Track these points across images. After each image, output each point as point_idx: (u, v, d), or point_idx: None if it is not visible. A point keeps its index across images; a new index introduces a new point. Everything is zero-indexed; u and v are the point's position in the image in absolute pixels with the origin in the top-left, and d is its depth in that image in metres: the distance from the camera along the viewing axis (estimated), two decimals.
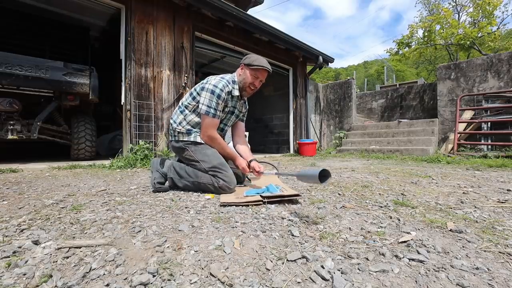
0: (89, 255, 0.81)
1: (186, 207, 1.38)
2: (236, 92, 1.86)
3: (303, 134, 6.94)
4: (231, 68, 7.30)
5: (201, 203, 1.47)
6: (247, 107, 2.11)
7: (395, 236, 0.99)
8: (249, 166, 1.80)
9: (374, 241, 0.94)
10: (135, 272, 0.71)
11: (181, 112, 1.88)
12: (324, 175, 1.18)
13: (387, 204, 1.44)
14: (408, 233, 1.01)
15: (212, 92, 1.74)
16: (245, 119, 2.14)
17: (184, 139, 1.84)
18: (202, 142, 1.84)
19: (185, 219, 1.18)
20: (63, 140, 3.90)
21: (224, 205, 1.41)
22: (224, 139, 2.10)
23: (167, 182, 1.86)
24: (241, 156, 1.89)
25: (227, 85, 1.80)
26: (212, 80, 1.79)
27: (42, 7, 4.21)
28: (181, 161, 1.96)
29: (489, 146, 5.12)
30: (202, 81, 1.86)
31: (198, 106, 1.79)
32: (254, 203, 1.42)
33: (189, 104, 1.85)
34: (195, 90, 1.85)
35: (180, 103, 1.93)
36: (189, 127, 1.85)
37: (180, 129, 1.85)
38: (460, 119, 5.29)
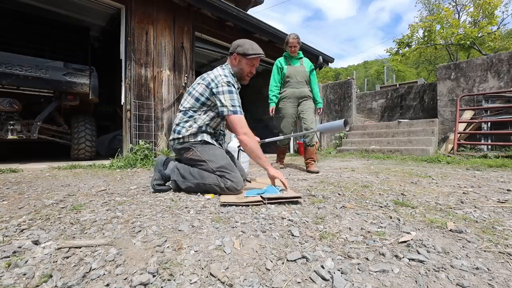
0: (89, 255, 0.81)
1: (186, 207, 1.38)
2: (238, 85, 1.88)
3: None
4: None
5: (201, 203, 1.47)
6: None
7: (395, 236, 0.99)
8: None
9: (374, 241, 0.94)
10: (135, 272, 0.71)
11: (190, 117, 1.81)
12: (347, 123, 1.75)
13: (387, 204, 1.44)
14: (408, 233, 1.01)
15: (230, 92, 1.72)
16: None
17: (190, 140, 1.79)
18: (211, 142, 1.81)
19: (185, 219, 1.18)
20: (63, 140, 3.90)
21: (224, 205, 1.41)
22: (224, 139, 2.08)
23: (170, 184, 1.83)
24: None
25: (234, 81, 1.80)
26: (222, 82, 1.72)
27: (42, 7, 4.21)
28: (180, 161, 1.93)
29: (489, 146, 5.12)
30: (208, 85, 1.77)
31: (210, 108, 1.78)
32: (255, 203, 1.42)
33: (199, 110, 1.80)
34: (202, 96, 1.78)
35: (184, 109, 1.84)
36: (197, 126, 1.79)
37: (190, 132, 1.78)
38: (460, 119, 5.29)
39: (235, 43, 1.83)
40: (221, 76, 1.76)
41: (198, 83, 1.82)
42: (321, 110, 3.41)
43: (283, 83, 3.28)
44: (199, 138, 1.79)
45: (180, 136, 1.80)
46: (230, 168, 1.69)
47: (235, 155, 2.34)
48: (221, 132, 2.01)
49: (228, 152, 2.01)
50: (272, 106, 3.28)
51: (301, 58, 3.32)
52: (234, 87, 1.76)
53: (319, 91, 3.18)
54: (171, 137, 1.89)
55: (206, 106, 1.79)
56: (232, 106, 1.70)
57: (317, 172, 2.90)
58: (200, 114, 1.80)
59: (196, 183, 1.71)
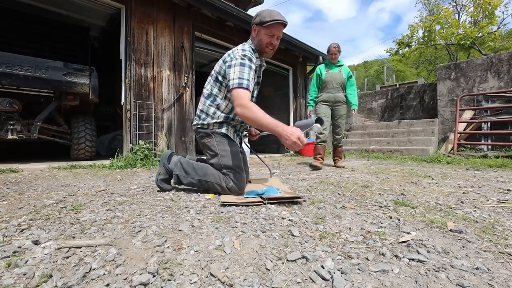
0: (89, 255, 0.81)
1: (186, 207, 1.38)
2: (259, 62, 1.74)
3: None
4: None
5: (201, 203, 1.47)
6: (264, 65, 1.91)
7: (395, 236, 0.99)
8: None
9: (374, 241, 0.94)
10: (135, 272, 0.71)
11: (212, 101, 1.72)
12: (321, 121, 1.59)
13: (387, 204, 1.44)
14: (408, 233, 1.01)
15: (242, 65, 1.55)
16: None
17: (215, 129, 1.73)
18: (232, 137, 1.74)
19: (185, 219, 1.18)
20: (63, 140, 3.90)
21: (224, 204, 1.41)
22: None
23: (172, 179, 1.80)
24: None
25: (253, 56, 1.64)
26: (237, 55, 1.60)
27: (42, 7, 4.21)
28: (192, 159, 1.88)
29: (489, 146, 5.12)
30: (224, 60, 1.67)
31: (229, 90, 1.58)
32: (255, 203, 1.42)
33: (219, 91, 1.70)
34: (219, 74, 1.68)
35: (206, 94, 1.75)
36: (223, 115, 1.71)
37: (215, 121, 1.71)
38: (460, 119, 5.30)
39: (255, 14, 1.70)
40: (238, 50, 1.64)
41: (218, 63, 1.73)
42: (355, 111, 3.77)
43: (321, 88, 3.65)
44: (222, 130, 1.73)
45: (205, 123, 1.74)
46: (238, 170, 1.65)
47: (247, 157, 2.28)
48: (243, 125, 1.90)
49: (242, 153, 1.95)
50: (310, 109, 3.72)
51: (341, 65, 3.66)
52: (251, 61, 1.60)
53: (356, 94, 3.70)
54: (194, 122, 1.81)
55: (224, 86, 1.67)
56: (239, 78, 1.51)
57: (343, 167, 3.40)
58: (222, 99, 1.70)
59: (198, 179, 1.69)
